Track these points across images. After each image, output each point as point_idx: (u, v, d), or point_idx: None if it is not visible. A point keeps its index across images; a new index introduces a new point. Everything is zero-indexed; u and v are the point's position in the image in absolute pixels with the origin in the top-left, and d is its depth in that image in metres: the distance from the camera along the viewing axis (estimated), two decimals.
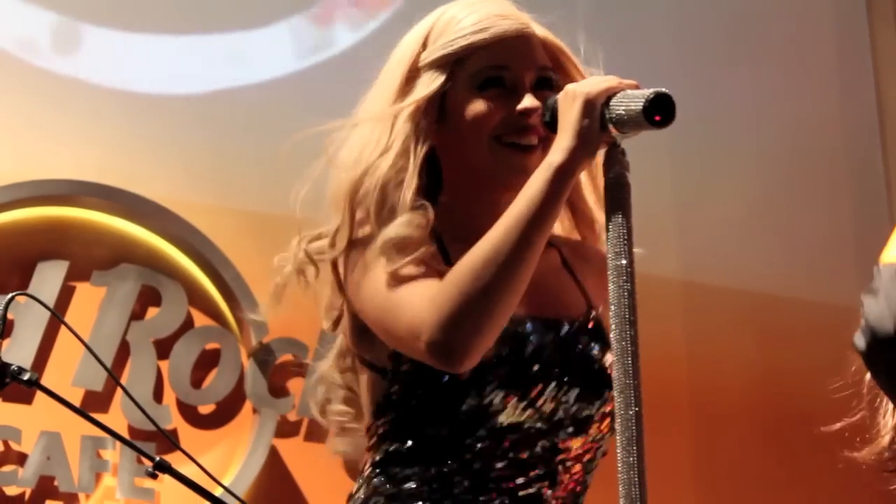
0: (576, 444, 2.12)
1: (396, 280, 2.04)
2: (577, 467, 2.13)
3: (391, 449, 2.11)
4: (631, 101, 1.94)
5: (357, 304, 2.10)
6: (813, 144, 5.24)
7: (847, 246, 5.16)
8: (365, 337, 2.14)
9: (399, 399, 2.10)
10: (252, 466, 4.06)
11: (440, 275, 2.03)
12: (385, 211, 2.09)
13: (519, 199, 1.98)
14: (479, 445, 2.07)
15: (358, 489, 2.16)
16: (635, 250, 1.90)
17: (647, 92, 1.93)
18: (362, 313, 2.10)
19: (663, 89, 1.92)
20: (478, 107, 2.13)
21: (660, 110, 1.91)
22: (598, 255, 2.20)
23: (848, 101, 5.40)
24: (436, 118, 2.15)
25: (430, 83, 2.14)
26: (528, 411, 2.08)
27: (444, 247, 2.13)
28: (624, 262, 1.87)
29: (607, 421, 2.13)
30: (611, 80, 1.99)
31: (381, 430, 2.13)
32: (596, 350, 2.16)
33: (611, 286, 1.87)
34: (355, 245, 2.10)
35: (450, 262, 2.08)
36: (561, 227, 2.28)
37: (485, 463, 2.07)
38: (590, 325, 2.18)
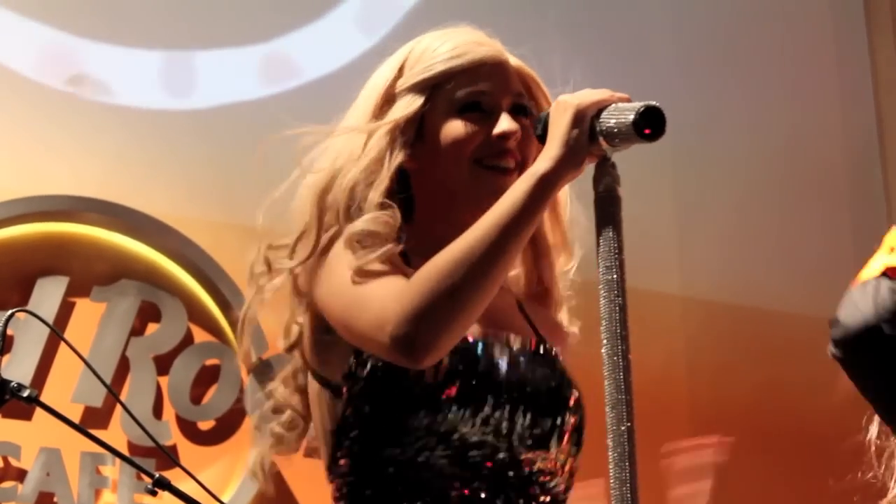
0: (539, 458, 2.11)
1: (363, 275, 2.03)
2: (553, 483, 2.11)
3: (353, 480, 2.09)
4: (621, 113, 1.94)
5: (321, 302, 2.09)
6: (812, 160, 5.25)
7: (846, 261, 5.15)
8: (323, 350, 2.12)
9: (354, 420, 2.08)
10: (252, 483, 4.05)
11: (406, 276, 2.03)
12: (353, 209, 2.10)
13: (499, 204, 1.98)
14: (440, 462, 2.05)
15: None
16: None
17: (638, 105, 1.93)
18: (326, 310, 2.08)
19: (654, 102, 1.92)
20: (457, 129, 2.14)
21: (650, 123, 1.92)
22: (551, 319, 2.25)
23: (847, 116, 5.41)
24: (412, 140, 2.16)
25: (408, 106, 2.15)
26: (484, 426, 2.07)
27: (407, 260, 2.12)
28: (615, 276, 1.86)
29: (567, 437, 2.12)
30: (602, 93, 2.00)
31: (340, 461, 2.11)
32: (548, 372, 2.15)
33: (602, 301, 1.86)
34: (324, 251, 2.10)
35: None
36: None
37: (446, 480, 2.05)
38: (540, 351, 2.17)
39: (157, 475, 2.83)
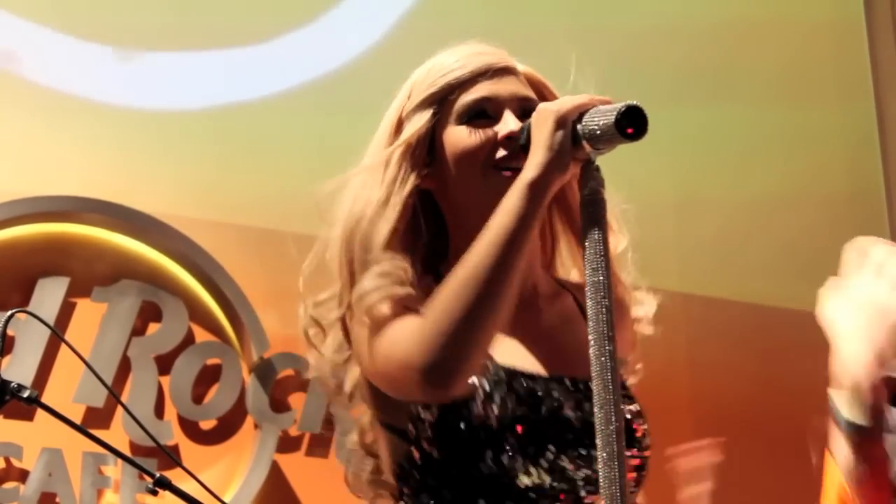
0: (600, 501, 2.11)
1: (378, 326, 2.04)
2: None
3: None
4: (603, 115, 1.94)
5: (360, 367, 2.11)
6: (812, 156, 5.25)
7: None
8: (381, 398, 2.12)
9: (420, 462, 2.09)
10: (253, 482, 4.06)
11: (418, 310, 2.03)
12: (368, 265, 2.09)
13: (494, 219, 1.98)
14: None
15: None
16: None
17: (619, 105, 1.93)
18: (367, 374, 2.10)
19: (634, 102, 1.92)
20: (465, 138, 2.14)
21: (632, 123, 1.91)
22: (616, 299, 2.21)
23: (848, 110, 5.41)
24: (426, 161, 2.16)
25: (416, 123, 2.16)
26: (548, 473, 2.06)
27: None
28: (601, 278, 1.86)
29: (633, 476, 2.10)
30: (582, 98, 2.00)
31: (405, 496, 2.12)
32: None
33: (588, 302, 1.86)
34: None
35: None
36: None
37: None
38: None
39: (159, 475, 2.84)
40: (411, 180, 2.14)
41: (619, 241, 2.25)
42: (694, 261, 4.90)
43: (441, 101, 2.17)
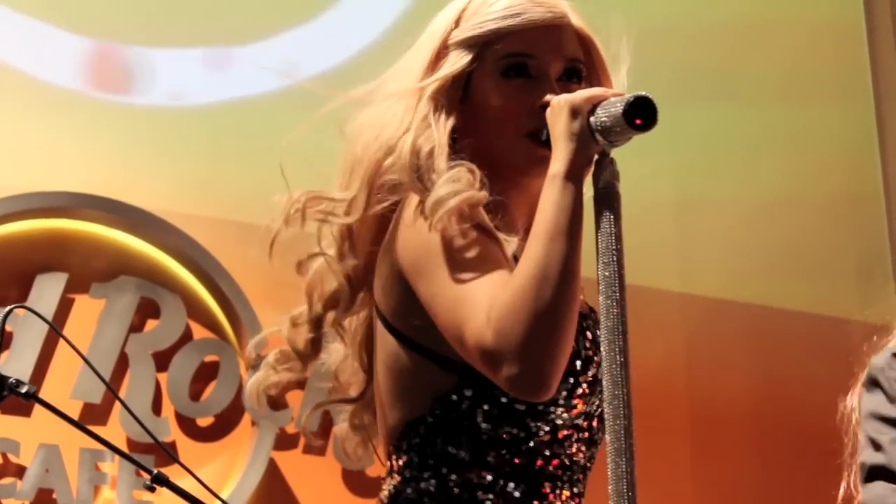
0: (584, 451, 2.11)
1: (455, 271, 1.97)
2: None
3: (418, 461, 2.07)
4: (613, 107, 1.94)
5: (420, 291, 2.02)
6: (812, 157, 5.25)
7: (845, 258, 5.16)
8: (423, 316, 2.04)
9: (459, 402, 2.04)
10: (251, 479, 4.05)
11: (502, 251, 2.00)
12: (426, 180, 2.04)
13: (542, 216, 1.95)
14: (511, 484, 2.04)
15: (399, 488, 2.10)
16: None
17: (628, 96, 1.93)
18: (426, 305, 2.02)
19: (644, 93, 1.92)
20: (501, 96, 2.10)
21: (640, 113, 1.91)
22: None
23: (848, 112, 5.41)
24: (460, 98, 2.12)
25: (455, 62, 2.12)
26: (576, 408, 2.06)
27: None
28: (613, 271, 1.86)
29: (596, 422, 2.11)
30: (594, 90, 1.99)
31: (416, 437, 2.07)
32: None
33: (601, 297, 1.86)
34: (399, 219, 2.07)
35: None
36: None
37: (541, 462, 2.05)
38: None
39: (156, 471, 2.83)
40: (452, 120, 2.10)
41: None
42: (693, 261, 4.89)
43: (484, 45, 2.12)
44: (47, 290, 3.98)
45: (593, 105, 1.96)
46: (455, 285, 1.97)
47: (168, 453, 3.11)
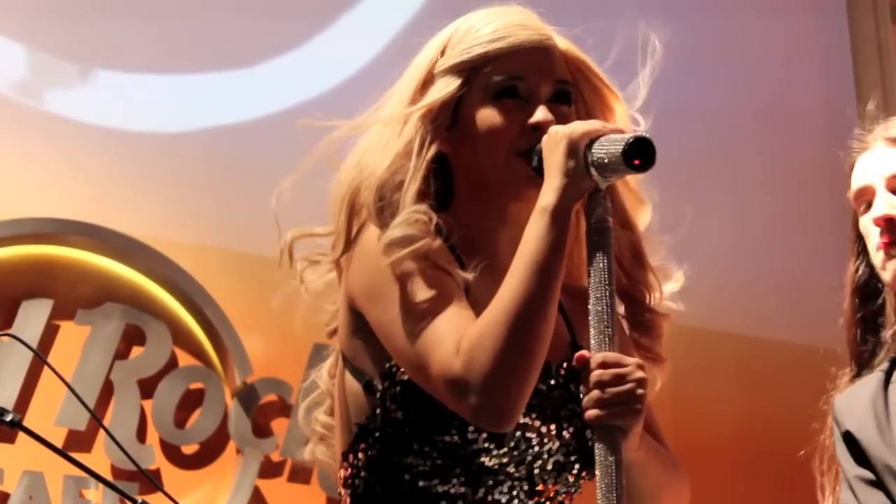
0: (554, 489, 2.10)
1: (414, 303, 2.00)
2: None
3: (366, 476, 2.08)
4: (612, 144, 1.94)
5: (369, 311, 2.06)
6: (797, 187, 5.26)
7: (830, 289, 5.16)
8: (359, 340, 2.10)
9: (383, 420, 2.06)
10: None
11: (456, 286, 2.01)
12: (385, 214, 2.06)
13: (525, 249, 1.96)
14: (455, 484, 2.04)
15: None
16: None
17: (627, 136, 1.93)
18: (378, 328, 2.05)
19: (644, 133, 1.92)
20: (491, 117, 2.10)
21: (639, 154, 1.92)
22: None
23: (833, 143, 5.42)
24: (448, 124, 2.12)
25: (443, 88, 2.12)
26: (509, 456, 2.05)
27: (458, 256, 2.09)
28: (605, 306, 1.87)
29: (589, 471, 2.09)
30: (594, 124, 1.99)
31: (359, 454, 2.09)
32: (573, 395, 2.10)
33: (592, 331, 1.87)
34: (356, 244, 2.09)
35: (464, 266, 2.06)
36: None
37: (454, 500, 2.04)
38: (573, 366, 2.12)
39: (140, 500, 2.83)
40: (433, 147, 2.10)
41: (644, 214, 2.24)
42: (679, 292, 4.89)
43: (473, 70, 2.12)
44: (32, 317, 3.97)
45: (591, 139, 1.96)
46: (415, 314, 1.99)
47: (152, 481, 3.11)
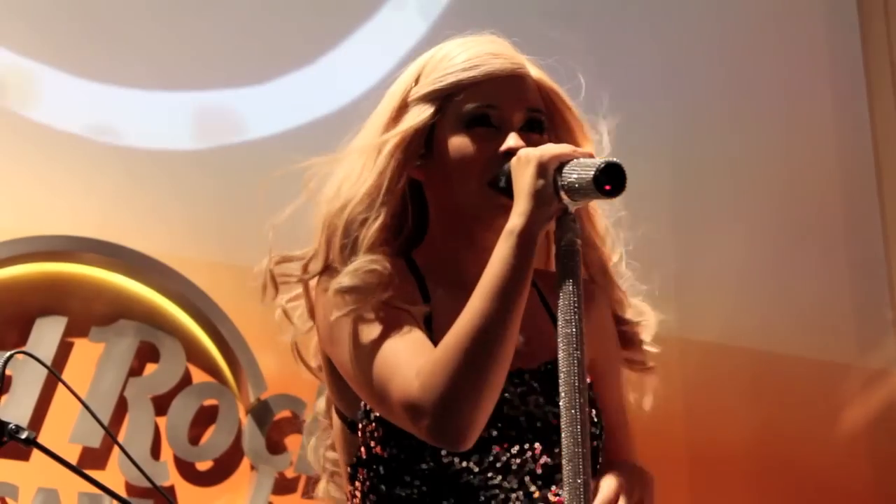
0: (554, 492, 2.10)
1: (370, 340, 2.02)
2: None
3: None
4: (583, 169, 1.93)
5: (331, 353, 2.11)
6: (810, 203, 5.26)
7: (843, 304, 5.16)
8: (339, 381, 2.13)
9: (367, 458, 2.09)
10: None
11: (413, 320, 2.03)
12: (346, 251, 2.09)
13: (490, 272, 1.96)
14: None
15: None
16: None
17: (599, 161, 1.92)
18: (340, 367, 2.10)
19: (614, 159, 1.92)
20: (464, 146, 2.12)
21: (610, 180, 1.90)
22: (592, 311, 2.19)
23: (845, 160, 5.42)
24: (422, 153, 2.14)
25: (417, 116, 2.14)
26: (492, 467, 2.06)
27: (424, 286, 2.12)
28: (574, 329, 1.85)
29: None
30: (564, 147, 1.98)
31: (356, 493, 2.12)
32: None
33: (560, 354, 1.85)
34: (326, 275, 2.12)
35: (428, 299, 2.09)
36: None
37: None
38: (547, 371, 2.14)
39: None
40: (404, 177, 2.13)
41: (611, 255, 2.27)
42: (692, 307, 4.89)
43: (446, 98, 2.14)
44: (47, 334, 3.98)
45: (561, 163, 1.96)
46: (372, 350, 2.02)
47: (166, 498, 3.11)
